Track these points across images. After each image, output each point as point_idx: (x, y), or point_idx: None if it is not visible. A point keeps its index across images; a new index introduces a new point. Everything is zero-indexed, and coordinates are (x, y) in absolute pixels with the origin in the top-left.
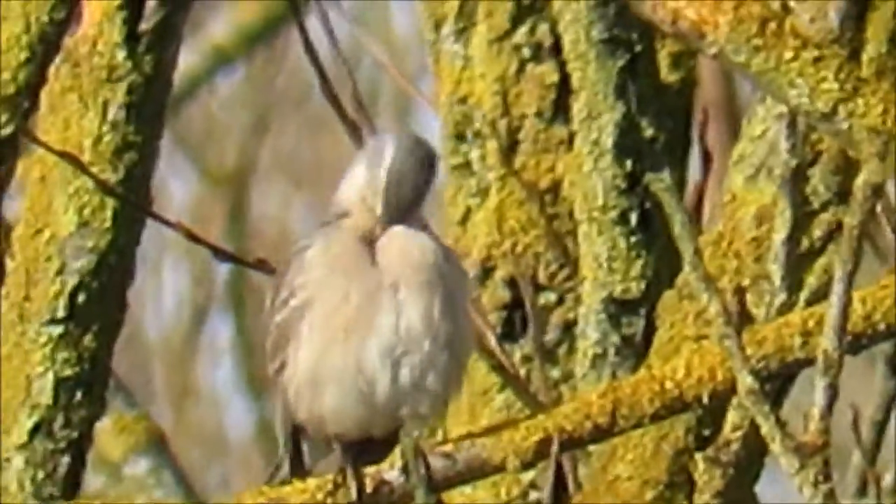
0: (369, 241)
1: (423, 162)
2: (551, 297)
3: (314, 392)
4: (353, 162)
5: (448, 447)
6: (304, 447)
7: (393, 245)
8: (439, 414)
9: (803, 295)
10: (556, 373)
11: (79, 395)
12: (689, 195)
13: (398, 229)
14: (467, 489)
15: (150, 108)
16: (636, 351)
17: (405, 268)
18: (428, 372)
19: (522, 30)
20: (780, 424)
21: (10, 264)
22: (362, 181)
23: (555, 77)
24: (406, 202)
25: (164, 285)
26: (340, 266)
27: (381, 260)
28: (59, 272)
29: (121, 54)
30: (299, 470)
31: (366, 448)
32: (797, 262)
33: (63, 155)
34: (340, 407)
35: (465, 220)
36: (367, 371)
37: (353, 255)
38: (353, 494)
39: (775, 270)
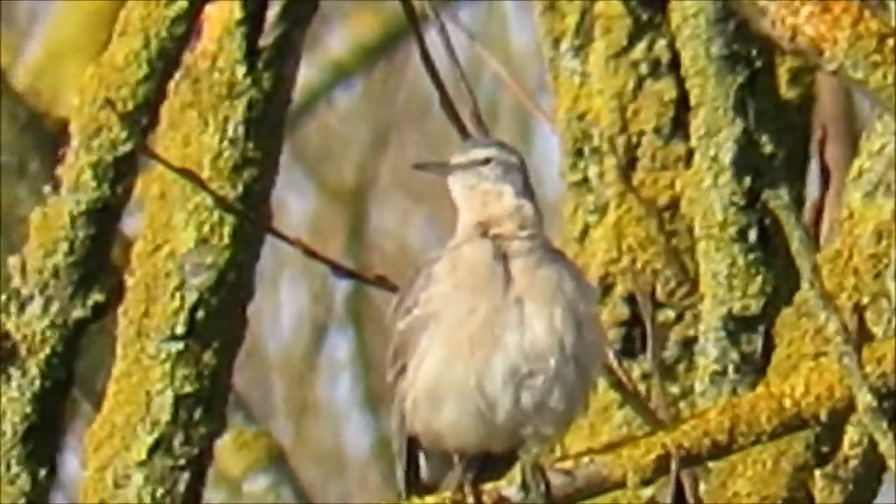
0: (499, 258)
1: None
2: (670, 314)
3: (433, 406)
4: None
5: (567, 464)
6: (422, 461)
7: (522, 263)
8: (563, 432)
9: None
10: (675, 389)
11: (198, 412)
12: (807, 212)
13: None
14: None
15: (269, 124)
16: (755, 368)
17: (531, 284)
18: (553, 390)
19: (640, 46)
20: None
21: (129, 280)
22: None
23: (673, 93)
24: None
25: (282, 302)
26: (468, 280)
27: (508, 277)
28: (179, 288)
29: (241, 70)
30: (415, 483)
31: (487, 463)
32: None
33: (182, 171)
34: (459, 423)
35: (583, 236)
36: (489, 391)
37: (481, 270)
38: None
39: (894, 287)
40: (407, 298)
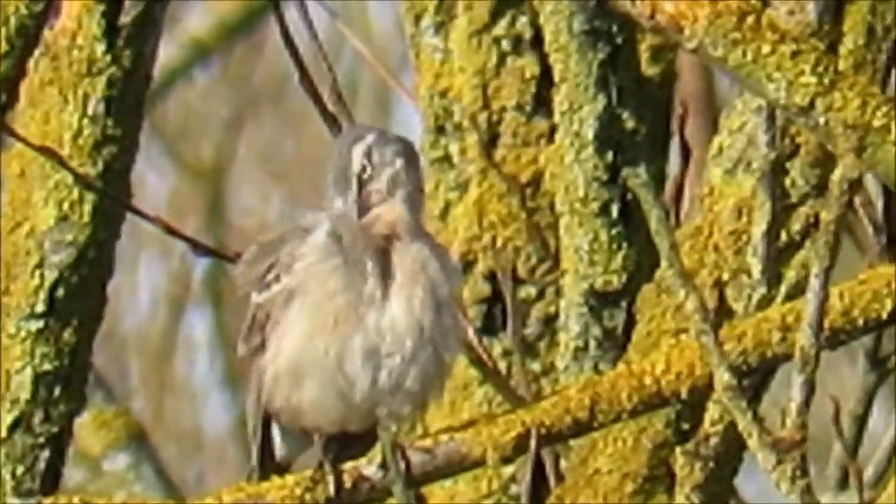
0: (369, 237)
1: (396, 152)
2: (531, 290)
3: (294, 382)
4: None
5: (427, 442)
6: (277, 438)
7: (393, 245)
8: (418, 414)
9: (783, 289)
10: (536, 367)
11: (58, 390)
12: (668, 188)
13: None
14: (448, 483)
15: (129, 102)
16: (618, 343)
17: (398, 265)
18: (408, 372)
19: (502, 23)
20: (758, 420)
21: None
22: (335, 174)
23: (535, 70)
24: (379, 193)
25: (140, 280)
26: (340, 255)
27: (378, 256)
28: (39, 266)
29: (100, 48)
30: (269, 461)
31: (348, 442)
32: (776, 256)
33: (42, 149)
34: (319, 400)
35: (445, 213)
36: (348, 370)
37: (352, 247)
38: (332, 490)
39: (754, 264)
40: (272, 268)
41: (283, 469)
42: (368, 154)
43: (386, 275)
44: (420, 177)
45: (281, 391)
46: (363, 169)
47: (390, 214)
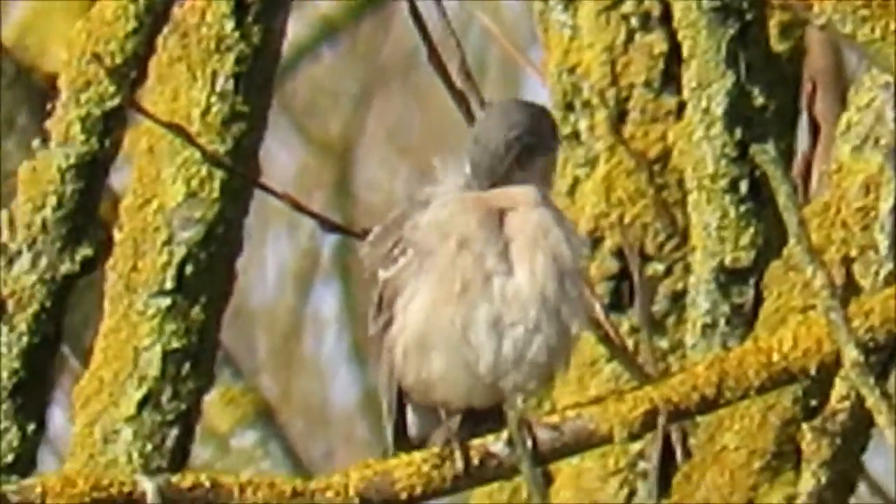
0: (489, 208)
1: (518, 123)
2: (659, 267)
3: (422, 354)
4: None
5: (555, 418)
6: (410, 415)
7: (512, 213)
8: (543, 386)
9: None
10: (664, 344)
11: (186, 367)
12: (797, 165)
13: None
14: (575, 460)
15: (258, 79)
16: (746, 320)
17: (519, 233)
18: (532, 342)
19: None
20: (886, 396)
21: (117, 235)
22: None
23: (663, 46)
24: (494, 162)
25: (268, 257)
26: (460, 227)
27: (498, 226)
28: (167, 243)
29: (229, 25)
30: (403, 438)
31: (477, 419)
32: None
33: (171, 126)
34: (446, 372)
35: (573, 190)
36: (473, 340)
37: (472, 218)
38: (460, 467)
39: (882, 240)
40: (397, 244)
41: (416, 447)
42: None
43: (506, 244)
44: (555, 146)
45: (411, 365)
46: (515, 159)
47: (518, 195)
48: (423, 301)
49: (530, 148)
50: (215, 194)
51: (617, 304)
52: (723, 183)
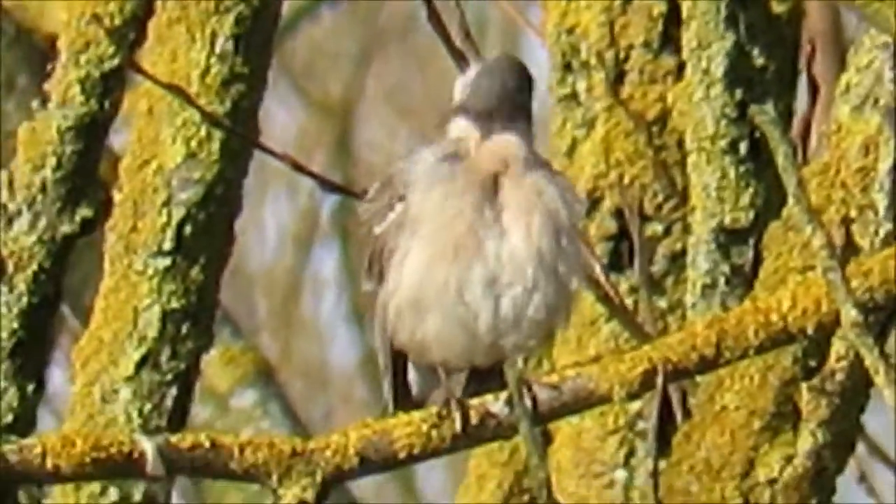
0: (482, 176)
1: (511, 73)
2: (658, 227)
3: (416, 315)
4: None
5: (554, 378)
6: (412, 375)
7: (506, 180)
8: (544, 344)
9: None
10: (663, 303)
11: (186, 327)
12: (796, 125)
13: (511, 150)
14: (574, 419)
15: (257, 40)
16: (746, 280)
17: (512, 200)
18: (531, 301)
19: None
20: (884, 356)
21: (117, 196)
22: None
23: (662, 7)
24: (492, 106)
25: (268, 217)
26: (455, 183)
27: (495, 185)
28: (166, 204)
29: None
30: (404, 398)
31: (485, 378)
32: None
33: (170, 87)
34: (443, 333)
35: (571, 151)
36: (469, 300)
37: (467, 174)
38: (458, 426)
39: (880, 200)
40: (386, 201)
41: (417, 407)
42: (475, 82)
43: (498, 205)
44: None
45: (404, 325)
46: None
47: (502, 149)
48: (416, 261)
49: (525, 101)
50: (214, 155)
51: (616, 264)
52: (722, 143)
